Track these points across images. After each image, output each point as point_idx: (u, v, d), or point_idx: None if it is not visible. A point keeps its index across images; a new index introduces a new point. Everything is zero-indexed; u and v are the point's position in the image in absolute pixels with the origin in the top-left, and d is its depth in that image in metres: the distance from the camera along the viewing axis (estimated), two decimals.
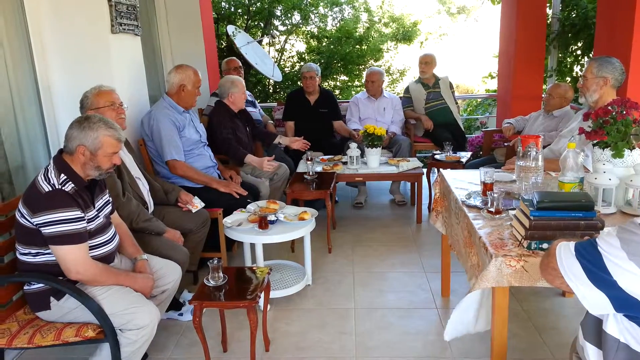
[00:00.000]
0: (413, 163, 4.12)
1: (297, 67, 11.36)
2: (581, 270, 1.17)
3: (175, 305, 2.75)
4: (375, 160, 4.03)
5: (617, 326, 1.20)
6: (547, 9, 5.45)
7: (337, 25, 11.86)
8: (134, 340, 2.00)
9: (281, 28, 11.76)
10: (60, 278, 1.98)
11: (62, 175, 1.97)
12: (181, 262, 2.52)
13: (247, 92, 4.53)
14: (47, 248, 1.95)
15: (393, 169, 4.01)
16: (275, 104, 5.86)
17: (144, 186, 2.77)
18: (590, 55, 5.31)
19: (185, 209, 2.97)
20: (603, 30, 3.80)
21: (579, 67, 6.16)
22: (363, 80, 5.65)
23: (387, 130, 4.49)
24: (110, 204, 2.23)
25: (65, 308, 2.01)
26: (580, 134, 2.33)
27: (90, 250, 2.02)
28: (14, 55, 2.73)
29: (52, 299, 2.00)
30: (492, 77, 7.41)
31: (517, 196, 2.30)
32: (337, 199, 4.72)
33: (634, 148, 2.10)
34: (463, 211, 2.24)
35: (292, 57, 12.09)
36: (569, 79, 6.20)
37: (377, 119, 4.82)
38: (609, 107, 2.15)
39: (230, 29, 6.63)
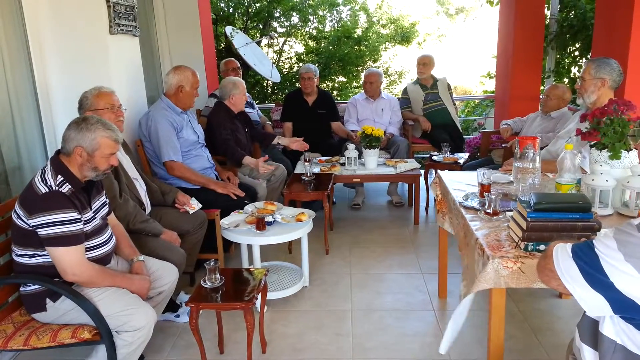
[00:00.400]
0: (411, 164, 4.12)
1: (295, 68, 11.36)
2: (578, 272, 1.17)
3: (172, 306, 2.74)
4: (373, 161, 4.03)
5: (613, 328, 1.20)
6: (545, 10, 5.46)
7: (336, 27, 11.87)
8: (130, 342, 1.99)
9: (280, 30, 11.76)
10: (56, 279, 1.98)
11: (59, 176, 1.96)
12: (178, 264, 2.51)
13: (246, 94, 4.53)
14: (43, 249, 1.95)
15: (391, 170, 4.01)
16: (273, 105, 5.86)
17: (141, 187, 2.77)
18: (588, 56, 5.31)
19: (182, 210, 2.97)
20: (601, 31, 3.80)
21: (576, 68, 6.17)
22: (361, 82, 5.65)
23: (385, 132, 4.48)
24: (107, 206, 2.23)
25: (61, 310, 2.00)
26: (577, 135, 2.33)
27: (86, 251, 2.02)
28: (12, 55, 2.72)
29: (48, 300, 1.99)
30: (491, 77, 7.41)
31: (514, 197, 2.30)
32: (334, 200, 4.72)
33: (631, 149, 2.10)
34: (460, 212, 2.24)
35: (291, 58, 12.09)
36: (566, 80, 6.20)
37: (375, 120, 4.82)
38: (606, 108, 2.15)
39: (229, 29, 6.63)
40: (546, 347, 2.43)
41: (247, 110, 4.49)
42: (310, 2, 11.37)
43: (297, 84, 8.08)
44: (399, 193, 4.82)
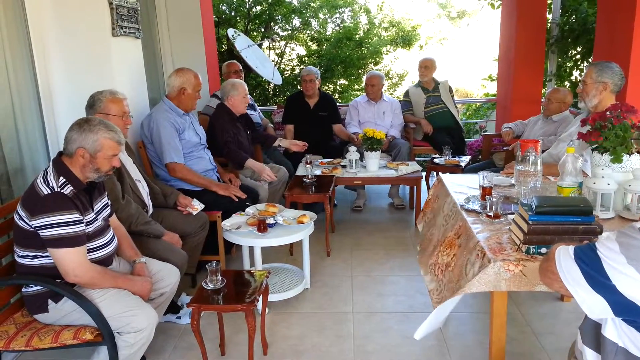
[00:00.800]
0: (412, 167, 4.12)
1: (297, 71, 11.38)
2: (580, 274, 1.17)
3: (173, 308, 2.74)
4: (374, 163, 4.03)
5: (615, 330, 1.20)
6: (547, 14, 5.47)
7: (337, 29, 11.89)
8: (132, 343, 1.99)
9: (281, 33, 11.78)
10: (58, 281, 1.98)
11: (61, 178, 1.96)
12: (179, 265, 2.51)
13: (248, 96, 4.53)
14: (45, 251, 1.95)
15: (392, 173, 4.02)
16: (275, 107, 5.87)
17: (143, 189, 2.77)
18: (590, 60, 5.32)
19: (185, 212, 2.97)
20: (603, 35, 3.81)
21: (578, 71, 6.17)
22: (363, 84, 5.66)
23: (386, 134, 4.49)
24: (108, 207, 2.23)
25: (63, 311, 2.00)
26: (579, 139, 2.33)
27: (88, 253, 2.02)
28: (15, 57, 2.73)
29: (50, 301, 2.00)
30: (492, 80, 7.42)
31: (515, 200, 2.31)
32: (336, 202, 4.72)
33: (633, 153, 2.11)
34: (460, 215, 2.24)
35: (292, 60, 12.12)
36: (568, 83, 6.21)
37: (376, 123, 4.82)
38: (607, 113, 2.15)
39: (231, 32, 6.65)
40: (548, 351, 2.43)
41: (249, 112, 4.50)
42: (312, 4, 11.39)
43: (298, 87, 8.09)
44: (400, 195, 4.82)
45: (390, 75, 12.15)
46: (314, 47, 11.93)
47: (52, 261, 1.96)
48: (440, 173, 3.02)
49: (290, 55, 12.24)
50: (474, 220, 2.13)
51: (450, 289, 2.03)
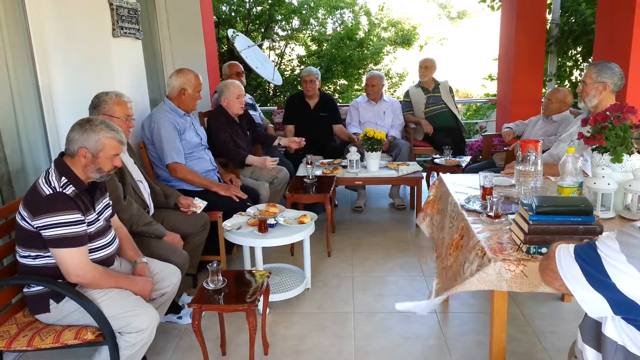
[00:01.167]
0: (413, 167, 4.12)
1: (297, 71, 11.39)
2: (580, 272, 1.17)
3: (175, 308, 2.74)
4: (374, 164, 4.04)
5: (615, 329, 1.21)
6: (547, 14, 5.47)
7: (337, 29, 11.90)
8: (133, 343, 2.00)
9: (281, 33, 11.79)
10: (60, 281, 1.98)
11: (63, 178, 1.97)
12: (180, 265, 2.52)
13: (248, 95, 4.54)
14: (47, 251, 1.96)
15: (393, 173, 4.02)
16: (275, 108, 5.88)
17: (145, 189, 2.78)
18: (590, 60, 5.32)
19: (190, 212, 2.98)
20: (602, 35, 3.81)
21: (578, 71, 6.18)
22: (363, 84, 5.67)
23: (386, 134, 4.49)
24: (110, 207, 2.24)
25: (65, 311, 2.01)
26: (579, 139, 2.33)
27: (90, 253, 2.03)
28: (15, 57, 2.73)
29: (51, 301, 2.00)
30: (492, 79, 7.42)
31: (516, 200, 2.31)
32: (336, 202, 4.72)
33: (633, 153, 2.11)
34: (461, 215, 2.25)
35: (292, 60, 12.12)
36: (568, 83, 6.21)
37: (377, 123, 4.83)
38: (607, 113, 2.16)
39: (230, 32, 6.66)
40: (549, 350, 2.44)
41: (250, 112, 4.50)
42: (311, 4, 11.39)
43: (299, 87, 8.10)
44: (401, 196, 4.82)
45: (390, 75, 12.16)
46: (314, 47, 11.94)
47: (53, 261, 1.96)
48: (440, 173, 3.03)
49: (290, 55, 12.25)
50: (475, 220, 2.14)
51: (447, 287, 2.04)
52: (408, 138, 4.96)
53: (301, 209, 3.46)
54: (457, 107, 5.17)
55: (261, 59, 6.41)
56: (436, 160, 4.43)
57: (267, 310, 2.61)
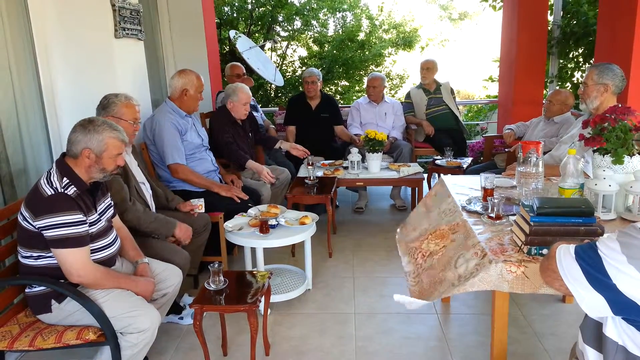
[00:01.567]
0: (414, 168, 4.12)
1: (298, 72, 11.40)
2: (580, 273, 1.17)
3: (176, 309, 2.75)
4: (376, 165, 4.04)
5: (616, 329, 1.21)
6: (548, 16, 5.48)
7: (339, 30, 11.91)
8: (135, 343, 2.00)
9: (283, 34, 11.80)
10: (62, 281, 1.99)
11: (65, 178, 1.98)
12: (182, 266, 2.52)
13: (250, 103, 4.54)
14: (49, 251, 1.96)
15: (394, 174, 4.02)
16: (276, 109, 5.88)
17: (147, 191, 2.78)
18: (591, 62, 5.33)
19: (195, 214, 2.99)
20: (604, 37, 3.82)
21: (579, 73, 6.18)
22: (364, 86, 5.67)
23: (388, 136, 4.50)
24: (112, 208, 2.24)
25: (67, 311, 2.01)
26: (580, 140, 2.34)
27: (91, 253, 2.03)
28: (18, 58, 2.74)
29: (53, 302, 2.01)
30: (493, 81, 7.43)
31: (517, 202, 2.31)
32: (337, 203, 4.73)
33: (634, 154, 2.11)
34: (460, 214, 2.25)
35: (294, 62, 12.13)
36: (569, 85, 6.21)
37: (378, 124, 4.84)
38: (606, 115, 2.16)
39: (232, 33, 6.67)
40: (550, 352, 2.43)
41: (252, 113, 4.51)
42: (314, 6, 11.40)
43: (300, 88, 8.10)
44: (402, 197, 4.82)
45: (391, 77, 12.17)
46: (315, 48, 11.95)
47: (55, 261, 1.97)
48: (441, 174, 3.03)
49: (292, 56, 12.26)
50: (476, 221, 2.14)
51: (429, 276, 2.04)
52: (409, 139, 4.97)
53: (302, 210, 3.47)
54: (458, 109, 5.18)
55: (263, 60, 6.41)
56: (437, 162, 4.43)
57: (269, 311, 2.61)
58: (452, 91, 5.16)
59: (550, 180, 2.64)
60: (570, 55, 6.14)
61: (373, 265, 3.46)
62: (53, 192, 1.93)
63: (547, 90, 5.75)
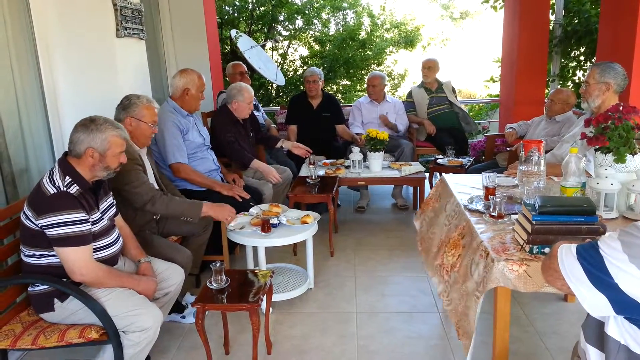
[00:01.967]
0: (415, 167, 4.12)
1: (300, 72, 11.39)
2: (582, 272, 1.17)
3: (178, 307, 2.75)
4: (377, 164, 4.04)
5: (617, 328, 1.21)
6: (550, 15, 5.47)
7: (340, 30, 11.90)
8: (137, 342, 2.01)
9: (284, 33, 11.79)
10: (64, 280, 1.99)
11: (67, 177, 1.98)
12: (184, 265, 2.53)
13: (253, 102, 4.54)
14: (52, 250, 1.97)
15: (395, 173, 4.02)
16: (278, 108, 5.88)
17: None
18: (593, 60, 5.32)
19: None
20: (606, 35, 3.81)
21: (581, 72, 6.17)
22: (365, 85, 5.68)
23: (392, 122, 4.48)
24: (114, 206, 2.25)
25: (69, 310, 2.02)
26: (582, 139, 2.34)
27: (94, 252, 2.04)
28: (20, 58, 2.75)
29: (56, 300, 2.01)
30: (494, 81, 7.42)
31: (519, 201, 2.31)
32: (339, 202, 4.73)
33: (636, 153, 2.11)
34: (463, 215, 2.25)
35: (295, 61, 12.13)
36: (571, 84, 6.20)
37: (379, 124, 4.83)
38: (609, 114, 2.16)
39: (233, 32, 6.68)
40: (552, 351, 2.43)
41: (254, 112, 4.51)
42: (315, 4, 11.39)
43: (301, 87, 8.11)
44: (404, 196, 4.82)
45: (392, 76, 12.15)
46: (316, 47, 11.94)
47: (58, 260, 1.97)
48: (443, 174, 3.03)
49: (293, 56, 12.25)
50: (478, 220, 2.14)
51: (456, 291, 2.04)
52: (411, 138, 4.96)
53: (304, 209, 3.47)
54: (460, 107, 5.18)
55: (264, 59, 6.42)
56: (439, 161, 4.43)
57: (270, 309, 2.61)
58: (453, 90, 5.16)
59: (552, 179, 2.64)
60: (572, 54, 6.13)
61: (375, 265, 3.46)
62: (55, 191, 1.93)
63: (549, 89, 5.74)
